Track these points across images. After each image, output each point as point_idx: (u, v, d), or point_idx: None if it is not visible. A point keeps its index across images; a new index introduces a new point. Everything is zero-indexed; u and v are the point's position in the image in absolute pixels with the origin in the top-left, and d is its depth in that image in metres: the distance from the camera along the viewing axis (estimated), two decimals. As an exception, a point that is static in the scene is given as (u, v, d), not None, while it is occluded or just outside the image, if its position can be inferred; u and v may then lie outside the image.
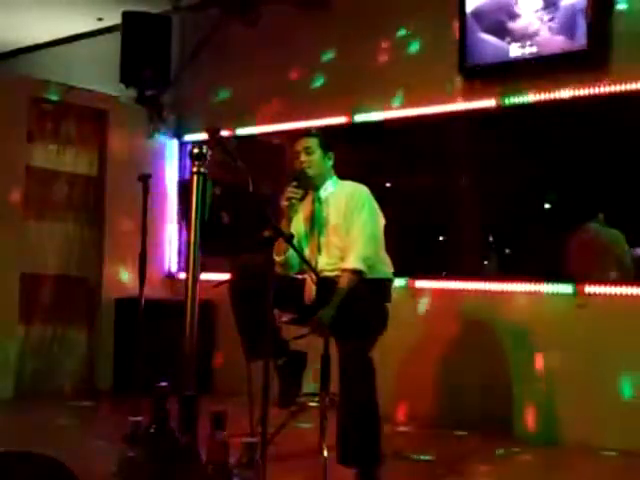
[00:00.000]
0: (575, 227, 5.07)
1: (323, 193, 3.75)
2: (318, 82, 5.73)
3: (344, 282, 3.49)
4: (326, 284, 3.53)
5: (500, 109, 4.92)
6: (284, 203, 3.61)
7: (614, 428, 4.34)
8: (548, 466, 4.14)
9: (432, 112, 5.18)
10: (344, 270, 3.53)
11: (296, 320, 3.71)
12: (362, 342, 3.36)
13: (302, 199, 3.68)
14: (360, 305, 3.44)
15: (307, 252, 3.71)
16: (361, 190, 3.72)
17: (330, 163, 3.79)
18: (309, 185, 3.72)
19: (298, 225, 3.76)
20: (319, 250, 3.70)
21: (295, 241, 3.63)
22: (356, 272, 3.51)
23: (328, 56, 5.69)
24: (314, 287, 3.61)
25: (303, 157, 3.70)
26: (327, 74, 5.69)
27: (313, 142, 3.73)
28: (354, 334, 3.34)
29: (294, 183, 3.63)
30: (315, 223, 3.73)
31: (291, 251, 3.59)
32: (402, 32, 5.36)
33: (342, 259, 3.61)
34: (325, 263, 3.68)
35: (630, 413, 4.31)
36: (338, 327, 3.39)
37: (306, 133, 3.85)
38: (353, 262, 3.52)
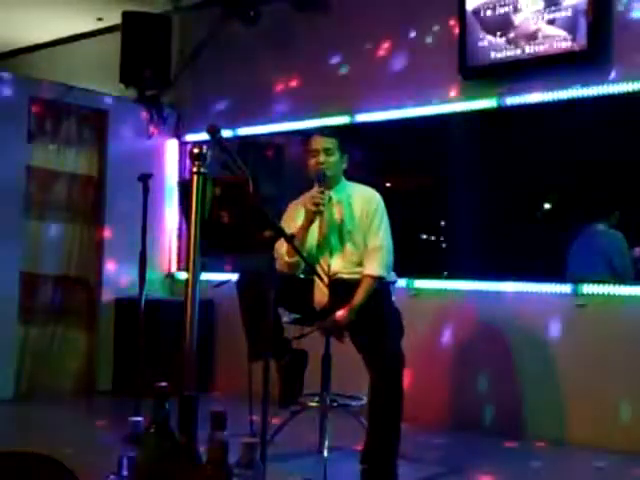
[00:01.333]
0: (575, 228, 5.06)
1: (335, 195, 3.73)
2: (318, 82, 5.73)
3: (366, 287, 3.52)
4: (340, 286, 3.54)
5: (500, 109, 4.92)
6: (311, 208, 3.58)
7: (614, 428, 4.34)
8: (548, 465, 4.13)
9: (432, 112, 5.17)
10: (368, 276, 3.55)
11: (298, 320, 3.71)
12: (394, 344, 3.42)
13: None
14: (382, 308, 3.48)
15: (319, 256, 3.70)
16: (377, 197, 3.73)
17: (344, 166, 3.78)
18: (325, 185, 3.69)
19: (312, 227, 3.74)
20: (331, 253, 3.68)
21: (308, 243, 3.63)
22: (378, 278, 3.56)
23: (328, 56, 5.69)
24: (326, 291, 3.60)
25: (322, 158, 3.68)
26: (327, 74, 5.69)
27: (333, 143, 3.70)
28: (383, 338, 3.39)
29: (320, 188, 3.61)
30: (327, 224, 3.70)
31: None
32: (402, 32, 5.36)
33: (359, 264, 3.62)
34: (342, 266, 3.67)
35: (630, 413, 4.31)
36: (364, 332, 3.42)
37: (326, 133, 3.82)
38: (378, 269, 3.56)
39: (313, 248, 3.69)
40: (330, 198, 3.70)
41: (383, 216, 3.68)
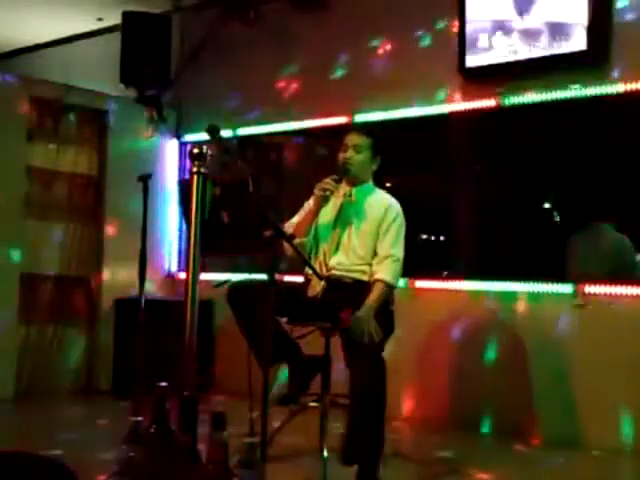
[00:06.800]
0: (575, 228, 5.06)
1: (357, 194, 3.73)
2: (318, 82, 5.73)
3: (380, 291, 3.51)
4: (333, 284, 3.54)
5: (500, 109, 4.92)
6: (318, 192, 3.60)
7: (613, 428, 4.34)
8: (546, 465, 4.14)
9: (432, 112, 5.18)
10: (381, 280, 3.55)
11: (297, 320, 3.71)
12: (375, 345, 3.38)
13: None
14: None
15: (325, 246, 3.70)
16: (399, 207, 3.72)
17: (374, 167, 3.77)
18: (347, 181, 3.71)
19: (324, 216, 3.73)
20: (337, 248, 3.68)
21: (320, 228, 3.69)
22: (389, 286, 3.56)
23: (328, 56, 5.69)
24: (322, 282, 3.59)
25: (349, 153, 3.68)
26: (327, 74, 5.69)
27: (365, 142, 3.70)
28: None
29: (335, 177, 3.61)
30: (340, 219, 3.70)
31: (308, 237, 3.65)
32: (402, 32, 5.36)
33: (358, 264, 3.62)
34: (337, 262, 3.66)
35: (629, 413, 4.31)
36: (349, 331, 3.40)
37: (362, 130, 3.82)
38: (391, 278, 3.57)
39: (325, 233, 3.70)
40: (350, 194, 3.71)
41: (402, 227, 3.68)
